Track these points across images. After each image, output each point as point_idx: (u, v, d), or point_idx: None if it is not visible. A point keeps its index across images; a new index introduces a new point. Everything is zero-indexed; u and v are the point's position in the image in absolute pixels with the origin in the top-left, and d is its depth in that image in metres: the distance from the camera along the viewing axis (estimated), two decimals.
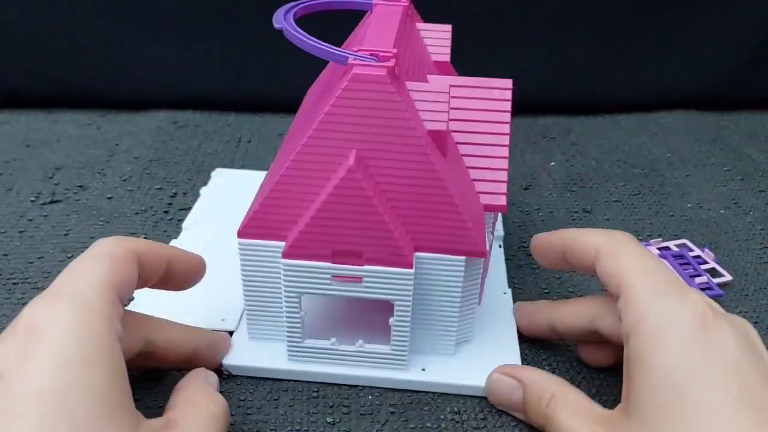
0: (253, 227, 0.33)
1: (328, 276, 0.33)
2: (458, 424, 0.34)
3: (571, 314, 0.35)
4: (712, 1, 0.66)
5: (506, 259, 0.46)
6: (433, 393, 0.36)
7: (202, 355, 0.34)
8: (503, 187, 0.35)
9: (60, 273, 0.28)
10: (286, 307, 0.34)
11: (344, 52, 0.32)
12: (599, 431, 0.29)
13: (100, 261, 0.28)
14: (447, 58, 0.42)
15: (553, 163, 0.60)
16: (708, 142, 0.64)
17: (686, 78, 0.70)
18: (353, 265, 0.32)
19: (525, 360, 0.37)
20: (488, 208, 0.35)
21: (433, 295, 0.35)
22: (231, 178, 0.53)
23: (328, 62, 0.41)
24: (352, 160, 0.31)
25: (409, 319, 0.34)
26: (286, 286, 0.33)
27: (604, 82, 0.69)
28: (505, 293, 0.42)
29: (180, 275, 0.33)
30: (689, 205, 0.54)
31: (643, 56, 0.68)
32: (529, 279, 0.45)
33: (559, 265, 0.36)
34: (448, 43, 0.43)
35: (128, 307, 0.34)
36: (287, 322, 0.34)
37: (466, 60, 0.44)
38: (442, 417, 0.34)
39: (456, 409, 0.35)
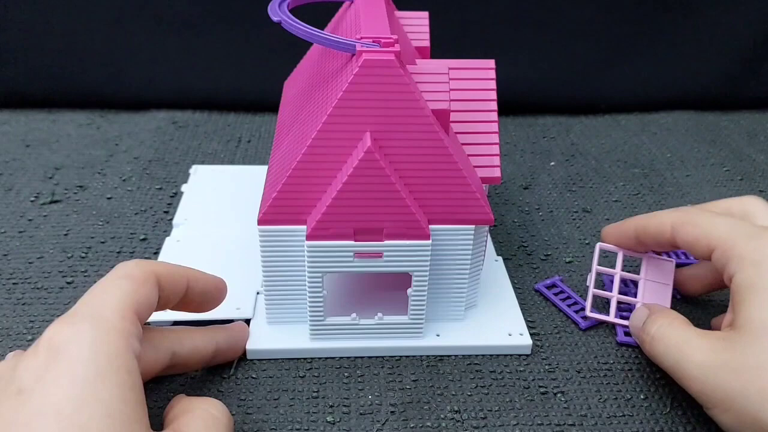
0: (272, 214, 0.35)
1: (351, 254, 0.35)
2: (458, 423, 0.34)
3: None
4: (712, 2, 0.66)
5: (505, 259, 0.46)
6: (434, 392, 0.36)
7: (222, 351, 0.35)
8: (496, 160, 0.38)
9: (83, 294, 0.29)
10: (310, 287, 0.36)
11: (351, 41, 0.33)
12: (707, 340, 0.32)
13: (119, 283, 0.29)
14: (426, 43, 0.45)
15: (553, 163, 0.60)
16: (708, 142, 0.64)
17: (686, 78, 0.70)
18: (374, 241, 0.34)
19: (532, 328, 0.40)
20: (484, 180, 0.38)
21: (445, 263, 0.37)
22: (209, 174, 0.54)
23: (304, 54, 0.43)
24: (369, 141, 0.32)
25: (426, 288, 0.36)
26: (310, 267, 0.35)
27: (604, 82, 0.69)
28: (496, 260, 0.46)
29: (199, 297, 0.33)
30: (689, 206, 0.54)
31: (643, 56, 0.68)
32: (529, 279, 0.45)
33: (633, 247, 0.41)
34: (427, 29, 0.46)
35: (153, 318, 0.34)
36: (310, 301, 0.36)
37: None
38: (442, 416, 0.34)
39: (456, 409, 0.35)
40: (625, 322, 0.39)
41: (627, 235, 0.40)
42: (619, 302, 0.41)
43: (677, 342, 0.33)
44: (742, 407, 0.30)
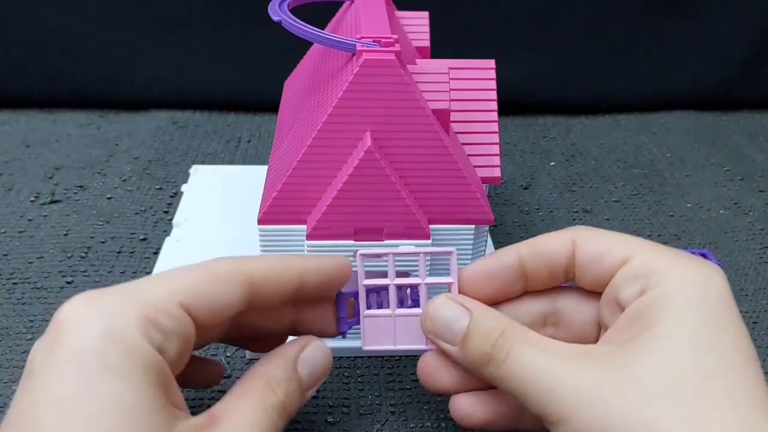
0: (272, 213, 0.35)
1: (351, 253, 0.34)
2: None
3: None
4: (712, 2, 0.66)
5: None
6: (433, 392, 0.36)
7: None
8: (496, 160, 0.38)
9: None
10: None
11: (351, 41, 0.33)
12: (574, 363, 0.25)
13: (187, 272, 0.25)
14: (426, 43, 0.45)
15: (553, 163, 0.60)
16: (708, 142, 0.64)
17: (686, 78, 0.69)
18: (375, 241, 0.34)
19: None
20: (484, 180, 0.38)
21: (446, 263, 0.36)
22: (209, 174, 0.54)
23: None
24: (370, 140, 0.32)
25: (426, 288, 0.35)
26: None
27: (604, 82, 0.69)
28: None
29: (319, 289, 0.29)
30: (689, 205, 0.54)
31: (643, 56, 0.68)
32: None
33: (509, 284, 0.30)
34: (427, 29, 0.46)
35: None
36: None
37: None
38: (442, 417, 0.34)
39: None
40: (413, 347, 0.30)
41: (504, 266, 0.29)
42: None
43: (543, 361, 0.25)
44: None
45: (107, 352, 0.22)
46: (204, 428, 0.24)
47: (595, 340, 0.29)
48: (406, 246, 0.31)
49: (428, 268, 0.35)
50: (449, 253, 0.30)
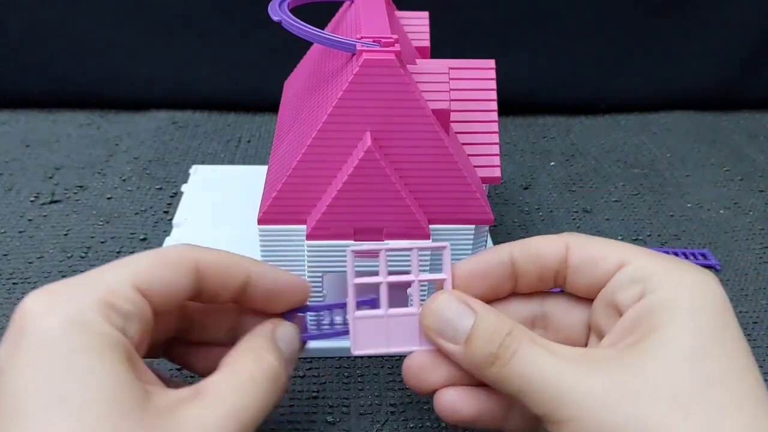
0: (272, 213, 0.35)
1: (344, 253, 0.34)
2: None
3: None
4: (712, 2, 0.66)
5: None
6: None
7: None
8: (496, 160, 0.38)
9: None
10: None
11: (351, 41, 0.33)
12: (580, 366, 0.24)
13: (139, 258, 0.26)
14: (426, 43, 0.45)
15: (553, 163, 0.60)
16: (708, 142, 0.64)
17: (686, 78, 0.70)
18: (374, 240, 0.34)
19: None
20: (484, 180, 0.38)
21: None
22: (209, 174, 0.54)
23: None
24: (369, 140, 0.32)
25: (426, 288, 0.35)
26: (310, 266, 0.35)
27: (604, 82, 0.69)
28: None
29: (264, 295, 0.29)
30: (689, 205, 0.54)
31: (643, 56, 0.68)
32: None
33: (498, 284, 0.29)
34: (427, 29, 0.46)
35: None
36: (310, 301, 0.35)
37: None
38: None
39: None
40: (407, 349, 0.29)
41: (497, 264, 0.29)
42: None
43: (550, 363, 0.25)
44: None
45: (73, 336, 0.23)
46: (187, 400, 0.24)
47: (584, 344, 0.29)
48: (399, 242, 0.31)
49: (427, 265, 0.35)
50: (442, 248, 0.29)
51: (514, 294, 0.30)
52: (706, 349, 0.24)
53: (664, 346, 0.24)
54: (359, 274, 0.29)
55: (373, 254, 0.29)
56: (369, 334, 0.29)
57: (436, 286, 0.29)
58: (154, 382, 0.25)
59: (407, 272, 0.30)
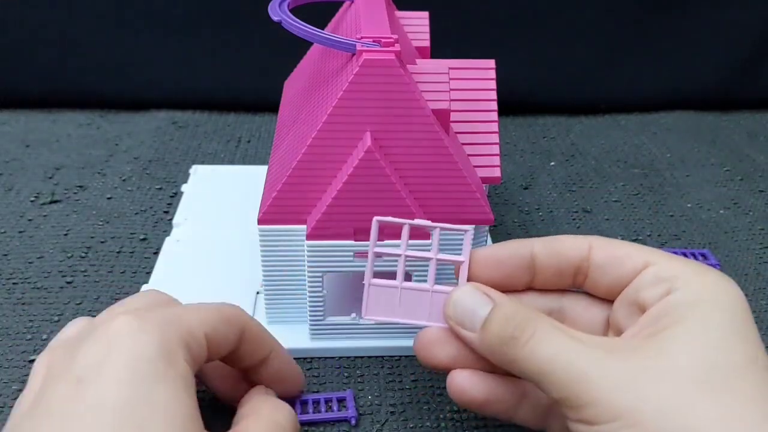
0: (272, 213, 0.35)
1: (351, 253, 0.35)
2: (458, 423, 0.34)
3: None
4: (712, 2, 0.66)
5: None
6: (433, 392, 0.36)
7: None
8: (496, 160, 0.38)
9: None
10: (310, 286, 0.36)
11: (351, 41, 0.33)
12: (599, 353, 0.24)
13: (206, 308, 0.29)
14: (426, 43, 0.45)
15: (553, 163, 0.60)
16: (708, 142, 0.64)
17: (686, 78, 0.70)
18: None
19: None
20: (484, 180, 0.38)
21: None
22: (209, 174, 0.54)
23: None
24: (369, 141, 0.32)
25: (436, 264, 0.35)
26: (310, 266, 0.35)
27: (604, 82, 0.69)
28: None
29: (274, 374, 0.32)
30: (689, 205, 0.54)
31: (643, 56, 0.68)
32: None
33: (516, 278, 0.30)
34: (427, 29, 0.46)
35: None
36: (310, 301, 0.36)
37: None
38: (442, 417, 0.34)
39: (456, 409, 0.35)
40: (417, 322, 0.30)
41: (516, 254, 0.29)
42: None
43: (567, 347, 0.25)
44: (653, 420, 0.22)
45: (159, 363, 0.24)
46: None
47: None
48: (422, 221, 0.30)
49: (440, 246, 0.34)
50: (464, 231, 0.29)
51: (531, 289, 0.30)
52: (729, 341, 0.24)
53: (688, 333, 0.24)
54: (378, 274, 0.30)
55: (396, 227, 0.30)
56: (381, 302, 0.30)
57: (454, 268, 0.30)
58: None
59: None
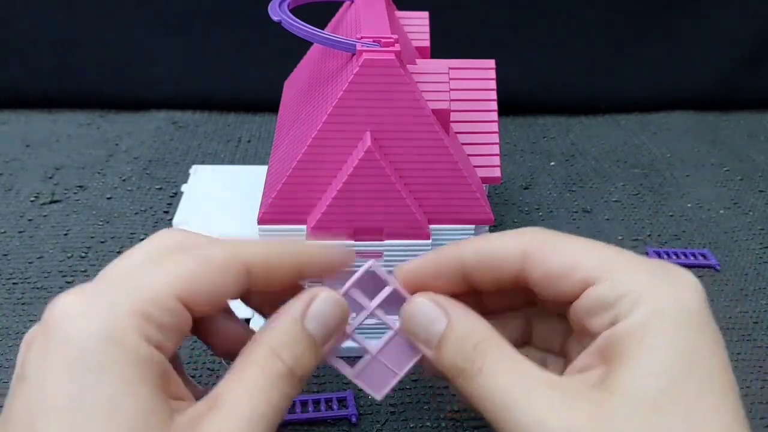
0: (272, 213, 0.35)
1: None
2: (458, 423, 0.34)
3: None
4: (712, 2, 0.66)
5: None
6: (433, 393, 0.36)
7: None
8: (496, 160, 0.38)
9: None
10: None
11: (351, 41, 0.33)
12: (561, 393, 0.23)
13: (184, 260, 0.24)
14: (426, 43, 0.45)
15: (553, 163, 0.60)
16: (708, 142, 0.64)
17: (686, 78, 0.69)
18: (374, 240, 0.34)
19: None
20: (484, 180, 0.38)
21: None
22: (209, 174, 0.54)
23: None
24: (369, 141, 0.32)
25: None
26: None
27: (604, 82, 0.69)
28: None
29: (316, 275, 0.28)
30: (689, 205, 0.54)
31: (643, 56, 0.68)
32: None
33: (455, 290, 0.27)
34: (427, 29, 0.46)
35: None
36: None
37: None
38: (442, 417, 0.34)
39: (456, 409, 0.35)
40: (413, 362, 0.27)
41: (446, 270, 0.26)
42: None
43: (515, 386, 0.23)
44: None
45: (103, 353, 0.21)
46: (202, 416, 0.22)
47: (560, 349, 0.27)
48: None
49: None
50: (367, 268, 0.27)
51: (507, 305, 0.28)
52: (682, 383, 0.22)
53: (636, 380, 0.22)
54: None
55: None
56: (376, 376, 0.28)
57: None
58: (185, 395, 0.24)
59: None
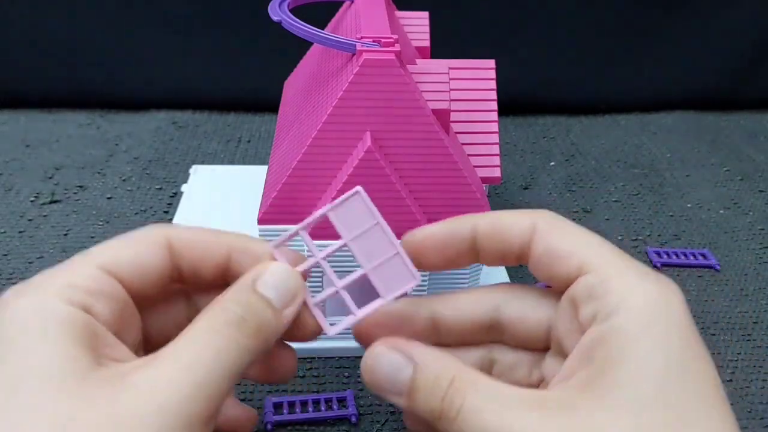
0: (272, 213, 0.35)
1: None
2: None
3: (467, 302, 0.27)
4: (712, 2, 0.66)
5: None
6: None
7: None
8: (496, 160, 0.38)
9: None
10: (310, 286, 0.35)
11: (351, 41, 0.33)
12: (532, 418, 0.22)
13: (110, 243, 0.25)
14: (426, 43, 0.45)
15: (553, 163, 0.60)
16: (708, 142, 0.64)
17: (686, 78, 0.70)
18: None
19: None
20: (484, 180, 0.37)
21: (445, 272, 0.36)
22: (209, 174, 0.54)
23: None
24: (369, 141, 0.32)
25: (425, 288, 0.36)
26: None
27: (604, 82, 0.69)
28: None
29: (199, 267, 0.26)
30: (689, 205, 0.54)
31: (643, 56, 0.68)
32: (529, 279, 0.45)
33: (457, 261, 0.27)
34: (427, 29, 0.46)
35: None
36: None
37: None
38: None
39: None
40: (375, 307, 0.27)
41: (459, 236, 0.27)
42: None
43: (497, 414, 0.22)
44: None
45: (22, 320, 0.22)
46: (140, 365, 0.22)
47: (546, 345, 0.27)
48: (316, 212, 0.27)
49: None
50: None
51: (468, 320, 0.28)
52: (667, 392, 0.22)
53: (619, 395, 0.22)
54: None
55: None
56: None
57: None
58: (126, 357, 0.23)
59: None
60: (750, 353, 0.40)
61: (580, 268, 0.25)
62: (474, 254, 0.27)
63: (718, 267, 0.47)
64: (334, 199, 0.33)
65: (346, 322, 0.26)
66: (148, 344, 0.27)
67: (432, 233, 0.27)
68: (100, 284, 0.24)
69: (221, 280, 0.27)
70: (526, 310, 0.27)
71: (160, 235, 0.26)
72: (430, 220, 0.35)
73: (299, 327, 0.27)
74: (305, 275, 0.27)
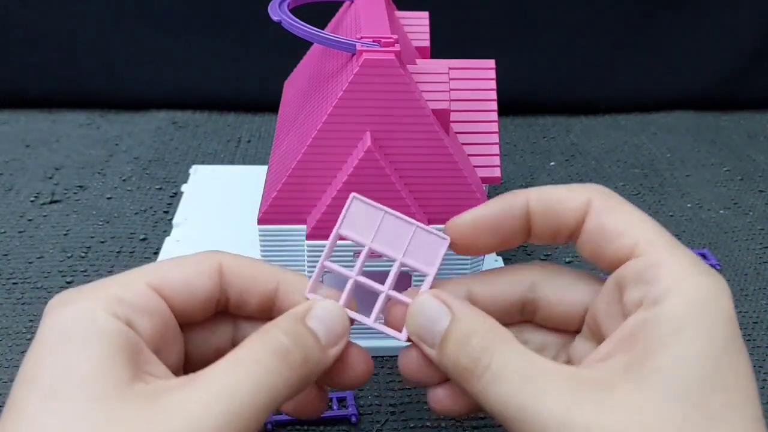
0: (272, 213, 0.35)
1: (351, 253, 0.34)
2: (458, 423, 0.34)
3: (502, 281, 0.27)
4: (712, 2, 0.66)
5: (505, 260, 0.46)
6: None
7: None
8: (496, 160, 0.38)
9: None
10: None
11: (351, 41, 0.33)
12: (565, 391, 0.21)
13: (159, 261, 0.26)
14: (426, 43, 0.45)
15: (553, 163, 0.60)
16: (708, 142, 0.64)
17: (686, 78, 0.70)
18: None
19: None
20: (484, 180, 0.37)
21: (445, 264, 0.36)
22: (209, 174, 0.54)
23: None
24: (369, 141, 0.32)
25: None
26: (310, 266, 0.35)
27: (604, 82, 0.69)
28: (496, 261, 0.45)
29: (246, 295, 0.27)
30: (689, 205, 0.54)
31: (643, 56, 0.68)
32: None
33: (511, 241, 0.27)
34: (427, 29, 0.46)
35: None
36: None
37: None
38: (441, 416, 0.34)
39: None
40: (359, 318, 0.26)
41: (511, 216, 0.26)
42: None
43: (529, 384, 0.22)
44: None
45: (65, 328, 0.22)
46: (177, 386, 0.22)
47: (578, 327, 0.27)
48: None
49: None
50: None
51: (507, 275, 0.28)
52: (711, 381, 0.22)
53: (664, 376, 0.21)
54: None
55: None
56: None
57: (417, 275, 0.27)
58: (162, 374, 0.23)
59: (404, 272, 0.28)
60: (750, 353, 0.40)
61: (632, 250, 0.24)
62: (527, 232, 0.26)
63: (718, 267, 0.47)
64: (332, 201, 0.33)
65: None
66: (189, 365, 0.27)
67: (483, 214, 0.26)
68: (146, 301, 0.24)
69: (266, 313, 0.27)
70: (563, 290, 0.27)
71: (213, 260, 0.26)
72: (429, 220, 0.35)
73: (346, 367, 0.26)
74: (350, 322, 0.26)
